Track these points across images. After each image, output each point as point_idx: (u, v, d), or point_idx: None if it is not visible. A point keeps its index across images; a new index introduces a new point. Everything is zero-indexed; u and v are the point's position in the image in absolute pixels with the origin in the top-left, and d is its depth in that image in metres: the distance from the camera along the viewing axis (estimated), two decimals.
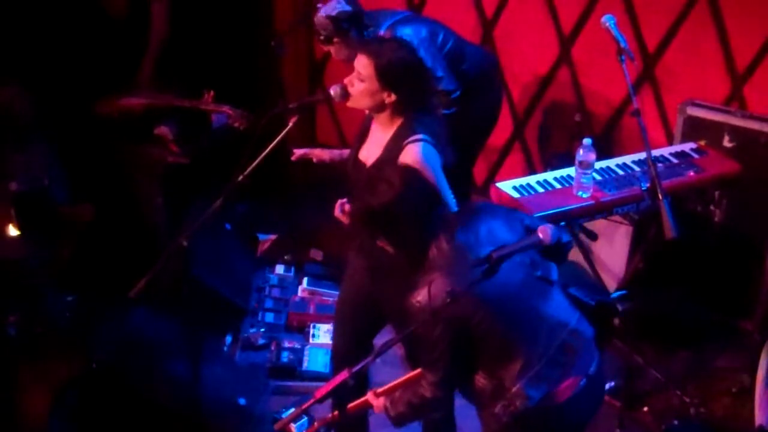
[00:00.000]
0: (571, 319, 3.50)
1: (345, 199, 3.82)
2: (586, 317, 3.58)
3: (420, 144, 3.75)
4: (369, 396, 3.67)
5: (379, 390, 3.67)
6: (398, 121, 3.84)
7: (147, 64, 5.85)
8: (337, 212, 3.78)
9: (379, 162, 3.85)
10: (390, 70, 3.76)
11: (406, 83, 3.79)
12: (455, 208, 3.78)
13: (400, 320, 4.10)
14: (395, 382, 3.68)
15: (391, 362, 4.75)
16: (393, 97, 3.79)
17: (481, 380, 3.41)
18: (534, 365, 3.36)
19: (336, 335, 4.40)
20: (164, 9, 5.85)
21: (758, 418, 4.52)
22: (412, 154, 3.74)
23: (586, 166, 4.68)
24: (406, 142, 3.76)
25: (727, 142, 5.28)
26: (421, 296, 3.31)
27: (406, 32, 4.84)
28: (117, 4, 5.85)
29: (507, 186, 4.76)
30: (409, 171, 3.49)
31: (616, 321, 5.07)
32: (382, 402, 3.60)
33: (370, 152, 3.93)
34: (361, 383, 4.32)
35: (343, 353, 4.30)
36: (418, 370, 3.55)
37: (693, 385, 5.03)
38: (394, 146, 3.80)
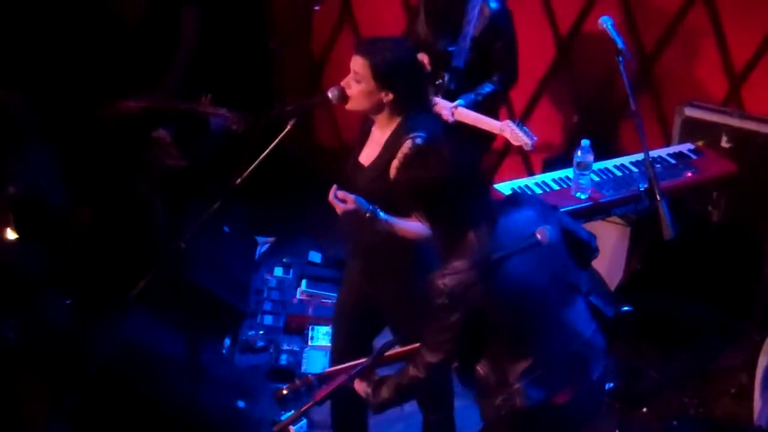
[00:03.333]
0: (588, 330, 3.51)
1: (337, 186, 3.79)
2: (602, 327, 3.58)
3: (418, 140, 3.75)
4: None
5: (362, 365, 3.58)
6: (396, 121, 3.85)
7: (177, 69, 5.82)
8: (331, 197, 3.75)
9: (377, 160, 3.86)
10: (386, 70, 3.76)
11: (402, 82, 3.79)
12: None
13: (398, 321, 4.11)
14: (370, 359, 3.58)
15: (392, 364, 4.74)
16: (390, 96, 3.79)
17: (484, 369, 3.41)
18: (540, 368, 3.36)
19: (335, 337, 4.41)
20: (195, 13, 5.84)
21: (757, 418, 4.53)
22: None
23: (584, 167, 4.68)
24: (405, 138, 3.76)
25: (724, 143, 5.29)
26: (447, 279, 3.27)
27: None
28: (133, 10, 5.83)
29: (505, 187, 4.76)
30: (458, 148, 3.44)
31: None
32: (363, 386, 3.54)
33: (368, 154, 3.93)
34: None
35: (342, 355, 4.30)
36: (399, 349, 3.53)
37: (692, 386, 5.03)
38: (393, 144, 3.81)
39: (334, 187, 3.75)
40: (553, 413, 3.41)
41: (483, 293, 3.23)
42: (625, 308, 5.04)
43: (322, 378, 3.62)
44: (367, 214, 3.70)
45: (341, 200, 3.71)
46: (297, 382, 3.62)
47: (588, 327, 3.52)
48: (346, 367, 3.58)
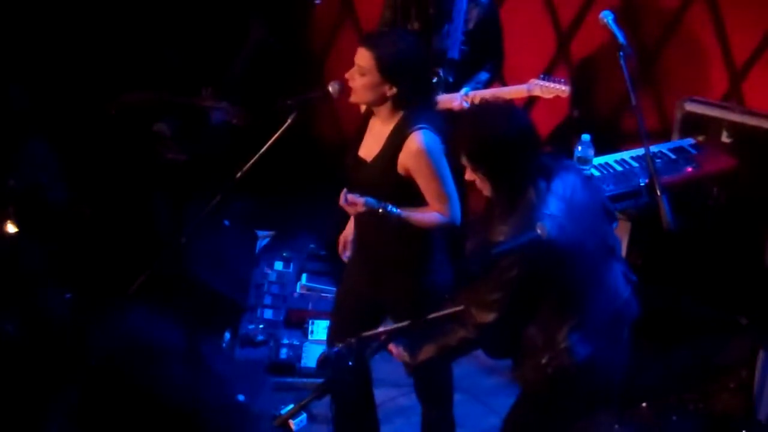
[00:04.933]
0: (625, 293, 3.61)
1: (347, 190, 3.81)
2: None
3: (422, 131, 3.76)
4: (390, 348, 3.62)
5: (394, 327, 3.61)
6: (398, 116, 3.84)
7: (238, 65, 5.87)
8: (341, 202, 3.78)
9: (381, 155, 3.85)
10: (390, 63, 3.76)
11: (406, 75, 3.79)
12: (456, 199, 3.80)
13: (401, 314, 4.11)
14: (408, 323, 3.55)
15: (392, 358, 4.74)
16: (394, 90, 3.79)
17: (531, 330, 3.45)
18: (587, 324, 3.43)
19: (332, 329, 4.39)
20: (262, 24, 5.91)
21: (757, 413, 4.54)
22: (416, 140, 3.76)
23: (584, 162, 4.68)
24: (409, 131, 3.76)
25: (725, 138, 5.28)
26: (503, 235, 3.31)
27: None
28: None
29: None
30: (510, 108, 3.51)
31: None
32: (399, 350, 3.58)
33: (370, 148, 3.93)
34: (363, 378, 4.34)
35: None
36: (450, 310, 3.51)
37: (692, 381, 5.03)
38: (396, 139, 3.81)
39: (344, 191, 3.77)
40: (594, 370, 3.48)
41: (540, 251, 3.26)
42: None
43: (362, 339, 3.54)
44: (380, 211, 3.72)
45: (352, 203, 3.73)
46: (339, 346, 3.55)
47: (626, 289, 3.62)
48: (383, 331, 3.58)
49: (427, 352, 3.54)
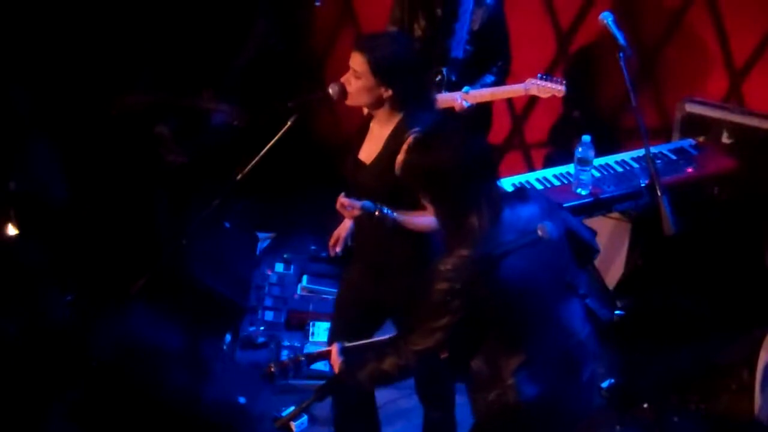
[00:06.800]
0: (582, 332, 3.51)
1: (343, 194, 3.82)
2: (597, 331, 3.59)
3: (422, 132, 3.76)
4: (333, 349, 3.62)
5: (348, 345, 3.63)
6: (397, 118, 3.85)
7: (239, 66, 5.88)
8: (338, 206, 3.78)
9: (380, 157, 3.86)
10: (384, 66, 3.76)
11: (400, 77, 3.79)
12: None
13: (403, 318, 4.11)
14: (366, 342, 3.68)
15: None
16: (389, 92, 3.80)
17: (478, 364, 3.40)
18: (534, 364, 3.36)
19: (332, 331, 4.40)
20: (266, 24, 5.92)
21: (758, 414, 4.54)
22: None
23: (585, 163, 4.68)
24: (407, 134, 3.76)
25: (725, 139, 5.28)
26: (450, 265, 3.25)
27: None
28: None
29: (506, 183, 4.76)
30: (468, 134, 3.44)
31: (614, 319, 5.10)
32: (342, 364, 3.54)
33: (369, 151, 3.93)
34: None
35: None
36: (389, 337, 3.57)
37: (693, 382, 5.03)
38: (394, 142, 3.81)
39: (341, 195, 3.77)
40: (544, 412, 3.40)
41: (484, 283, 3.22)
42: (618, 312, 5.04)
43: (311, 357, 3.67)
44: (377, 214, 3.72)
45: (349, 207, 3.73)
46: (286, 360, 3.66)
47: (583, 328, 3.52)
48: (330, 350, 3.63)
49: (362, 373, 3.47)
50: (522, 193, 3.49)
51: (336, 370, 3.57)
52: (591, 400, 3.70)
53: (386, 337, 3.70)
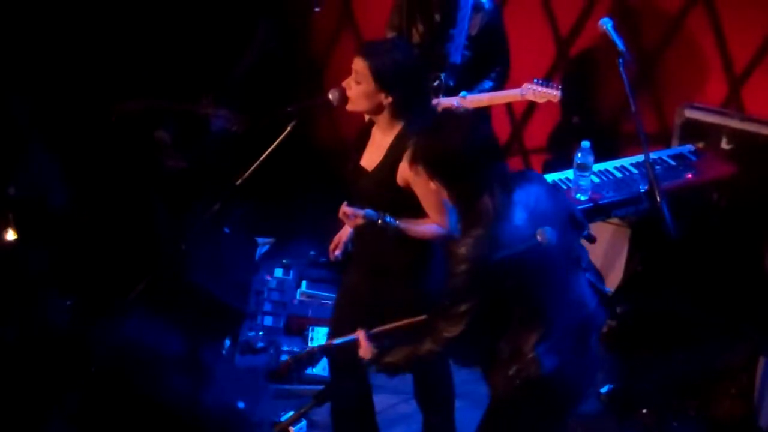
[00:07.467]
0: (591, 303, 3.59)
1: (346, 203, 3.82)
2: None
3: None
4: (360, 335, 3.65)
5: (374, 330, 3.67)
6: (399, 125, 3.85)
7: (239, 71, 5.89)
8: (341, 214, 3.79)
9: (382, 165, 3.86)
10: (385, 72, 3.78)
11: (401, 84, 3.80)
12: (455, 211, 3.79)
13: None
14: (392, 326, 3.68)
15: None
16: (390, 98, 3.80)
17: (498, 341, 3.44)
18: (553, 335, 3.41)
19: (331, 336, 4.38)
20: (270, 26, 5.93)
21: (758, 419, 4.54)
22: None
23: (584, 168, 4.68)
24: (409, 143, 3.76)
25: (725, 145, 5.29)
26: (465, 247, 3.29)
27: None
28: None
29: None
30: (478, 115, 3.51)
31: (613, 323, 5.10)
32: (371, 349, 3.59)
33: (371, 158, 3.94)
34: (363, 385, 4.34)
35: (337, 356, 4.29)
36: (419, 318, 3.58)
37: (692, 387, 5.03)
38: (396, 150, 3.81)
39: (344, 204, 3.78)
40: (561, 383, 3.47)
41: (502, 260, 3.25)
42: (607, 289, 5.05)
43: (325, 349, 3.69)
44: (379, 222, 3.72)
45: (351, 216, 3.74)
46: (301, 353, 3.69)
47: (592, 300, 3.60)
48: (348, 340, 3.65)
49: (394, 356, 3.54)
50: (525, 174, 3.59)
51: (365, 355, 3.61)
52: (596, 372, 3.78)
53: (405, 321, 3.70)
